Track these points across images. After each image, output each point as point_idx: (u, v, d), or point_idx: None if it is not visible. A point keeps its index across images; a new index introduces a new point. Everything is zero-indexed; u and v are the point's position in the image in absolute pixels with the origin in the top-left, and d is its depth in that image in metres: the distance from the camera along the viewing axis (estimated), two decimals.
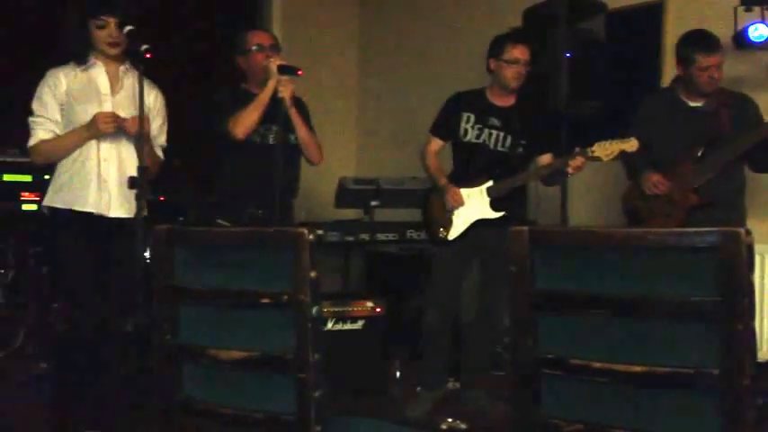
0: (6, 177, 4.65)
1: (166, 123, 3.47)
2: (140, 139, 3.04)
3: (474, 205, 3.80)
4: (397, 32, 6.56)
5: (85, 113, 3.18)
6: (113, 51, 3.24)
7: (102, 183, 3.22)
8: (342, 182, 4.85)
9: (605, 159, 3.50)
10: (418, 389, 3.98)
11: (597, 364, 1.51)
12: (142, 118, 3.02)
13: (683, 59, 3.66)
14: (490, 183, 3.77)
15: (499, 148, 3.81)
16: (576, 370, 1.54)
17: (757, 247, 1.43)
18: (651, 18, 4.78)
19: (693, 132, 3.68)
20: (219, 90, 3.77)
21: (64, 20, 3.31)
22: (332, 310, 4.02)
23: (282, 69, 3.47)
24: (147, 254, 3.22)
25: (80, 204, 3.20)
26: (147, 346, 1.95)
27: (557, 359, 1.57)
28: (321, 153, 3.78)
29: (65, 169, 3.24)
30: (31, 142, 3.25)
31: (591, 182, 4.90)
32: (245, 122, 3.52)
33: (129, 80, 3.33)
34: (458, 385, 4.10)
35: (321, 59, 6.38)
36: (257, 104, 3.51)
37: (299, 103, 3.71)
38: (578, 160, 3.54)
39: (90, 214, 3.20)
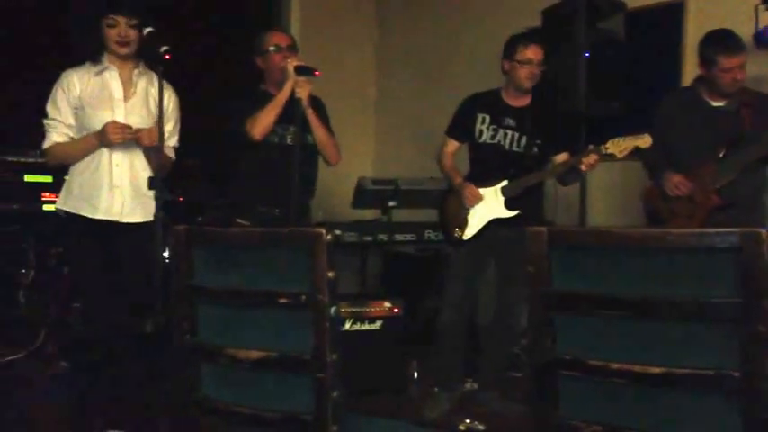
0: (28, 178, 4.70)
1: (179, 124, 3.47)
2: (155, 149, 3.05)
3: (489, 205, 3.80)
4: (415, 33, 6.56)
5: (98, 119, 3.18)
6: (123, 51, 3.22)
7: (114, 189, 3.22)
8: (360, 182, 4.85)
9: (619, 156, 3.48)
10: (436, 389, 3.98)
11: (615, 365, 1.50)
12: (162, 125, 3.02)
13: (706, 60, 3.63)
14: (505, 182, 3.76)
15: (514, 149, 3.80)
16: (595, 371, 1.54)
17: None
18: (671, 17, 4.74)
19: (715, 132, 3.65)
20: (237, 91, 3.79)
21: (76, 20, 3.32)
22: (350, 310, 4.03)
23: (299, 70, 3.48)
24: (165, 254, 3.24)
25: (90, 211, 3.21)
26: (166, 346, 1.95)
27: (575, 360, 1.56)
28: (339, 153, 3.78)
29: (77, 173, 3.26)
30: (46, 144, 3.27)
31: (609, 182, 4.88)
32: (262, 123, 3.53)
33: (143, 83, 3.33)
34: (475, 386, 4.09)
35: (339, 60, 6.40)
36: (274, 105, 3.52)
37: (317, 103, 3.72)
38: (592, 157, 3.52)
39: (101, 220, 3.21)
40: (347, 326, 4.00)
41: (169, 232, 1.86)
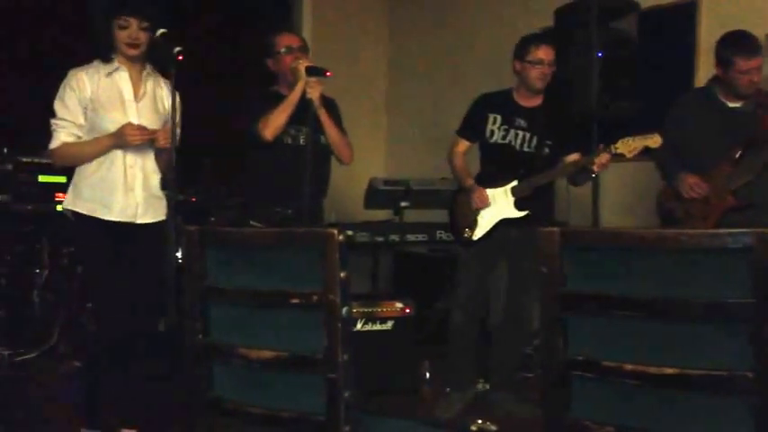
0: (42, 179, 4.72)
1: (180, 123, 3.46)
2: (165, 150, 3.05)
3: (498, 205, 3.80)
4: (427, 33, 6.56)
5: (109, 120, 3.16)
6: (133, 52, 3.20)
7: (129, 191, 3.21)
8: (372, 183, 4.86)
9: (629, 156, 3.47)
10: (447, 390, 3.98)
11: (629, 366, 1.50)
12: (174, 127, 3.02)
13: (723, 61, 3.61)
14: (515, 182, 3.76)
15: (525, 149, 3.80)
16: (608, 372, 1.53)
17: None
18: (684, 17, 4.72)
19: (731, 133, 3.63)
20: (250, 92, 3.80)
21: (90, 19, 3.30)
22: (361, 310, 4.03)
23: (311, 71, 3.48)
24: (178, 254, 3.24)
25: (104, 213, 3.18)
26: (179, 346, 1.96)
27: (587, 361, 1.56)
28: (352, 153, 3.79)
29: (87, 174, 3.20)
30: (54, 144, 3.21)
31: (622, 183, 4.86)
32: (274, 124, 3.54)
33: (151, 84, 3.32)
34: (487, 386, 4.09)
35: (351, 61, 6.41)
36: (285, 106, 3.53)
37: (330, 103, 3.73)
38: (603, 157, 3.51)
39: (114, 221, 3.19)
40: (359, 326, 4.00)
41: (182, 232, 1.87)
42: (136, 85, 3.28)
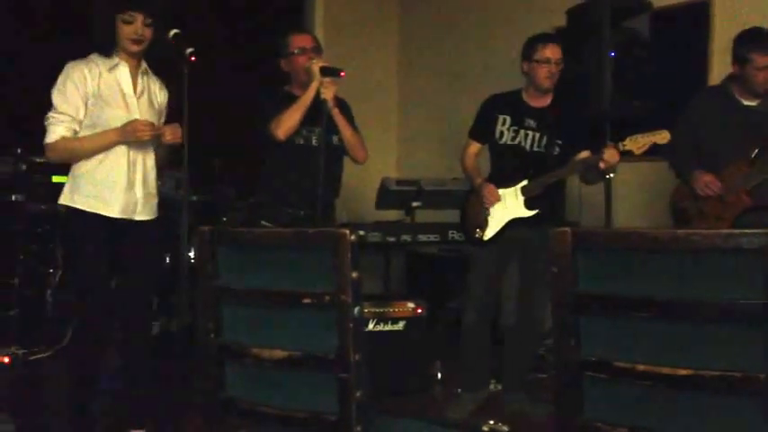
0: (56, 179, 4.73)
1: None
2: (162, 146, 3.05)
3: (508, 205, 3.79)
4: (438, 34, 6.55)
5: (111, 115, 3.13)
6: (135, 48, 3.17)
7: (130, 187, 3.19)
8: (384, 183, 4.86)
9: (637, 153, 3.45)
10: (459, 390, 3.97)
11: (642, 367, 1.49)
12: (185, 125, 3.03)
13: (740, 58, 3.60)
14: (525, 182, 3.75)
15: (535, 149, 3.79)
16: (621, 373, 1.53)
17: None
18: (697, 16, 4.70)
19: (748, 132, 3.62)
20: (262, 92, 3.80)
21: (94, 13, 3.24)
22: (373, 310, 4.03)
23: (325, 71, 3.49)
24: (191, 254, 3.25)
25: (107, 209, 3.14)
26: (191, 346, 1.97)
27: (600, 362, 1.55)
28: (366, 152, 3.80)
29: (87, 171, 3.16)
30: (51, 138, 3.12)
31: (635, 182, 4.84)
32: (286, 124, 3.55)
33: (146, 80, 3.30)
34: (500, 387, 4.08)
35: (363, 62, 6.40)
36: (299, 106, 3.53)
37: (342, 103, 3.73)
38: (611, 153, 3.49)
39: (113, 218, 3.17)
40: (371, 326, 4.00)
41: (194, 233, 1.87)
42: (134, 80, 3.26)
